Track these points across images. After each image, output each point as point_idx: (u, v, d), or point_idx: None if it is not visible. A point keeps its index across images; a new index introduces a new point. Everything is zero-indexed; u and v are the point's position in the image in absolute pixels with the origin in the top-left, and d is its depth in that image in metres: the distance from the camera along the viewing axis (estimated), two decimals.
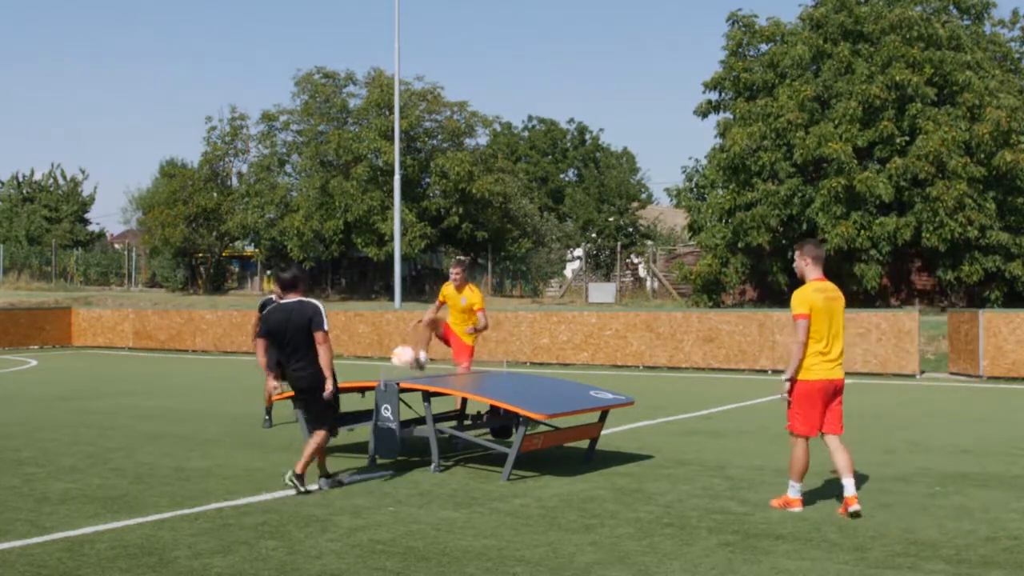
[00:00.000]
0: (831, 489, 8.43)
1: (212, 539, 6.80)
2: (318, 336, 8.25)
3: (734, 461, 9.82)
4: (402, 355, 10.78)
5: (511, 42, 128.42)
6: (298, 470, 8.22)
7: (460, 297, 11.75)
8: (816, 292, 7.62)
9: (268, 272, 47.83)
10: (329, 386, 8.31)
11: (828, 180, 29.46)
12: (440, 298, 12.09)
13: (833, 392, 7.63)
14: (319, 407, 8.42)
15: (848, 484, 7.47)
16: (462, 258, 12.42)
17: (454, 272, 11.86)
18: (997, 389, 17.21)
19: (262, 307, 12.21)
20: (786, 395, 7.67)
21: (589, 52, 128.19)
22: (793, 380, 7.61)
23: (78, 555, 6.41)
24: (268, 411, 12.46)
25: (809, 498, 8.06)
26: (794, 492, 7.70)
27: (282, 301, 8.62)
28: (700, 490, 8.41)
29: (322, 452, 8.51)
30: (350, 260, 45.16)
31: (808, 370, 7.55)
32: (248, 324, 26.31)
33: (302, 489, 8.17)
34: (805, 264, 7.75)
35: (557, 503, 7.94)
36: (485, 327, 11.87)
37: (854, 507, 7.40)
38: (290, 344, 8.32)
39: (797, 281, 7.90)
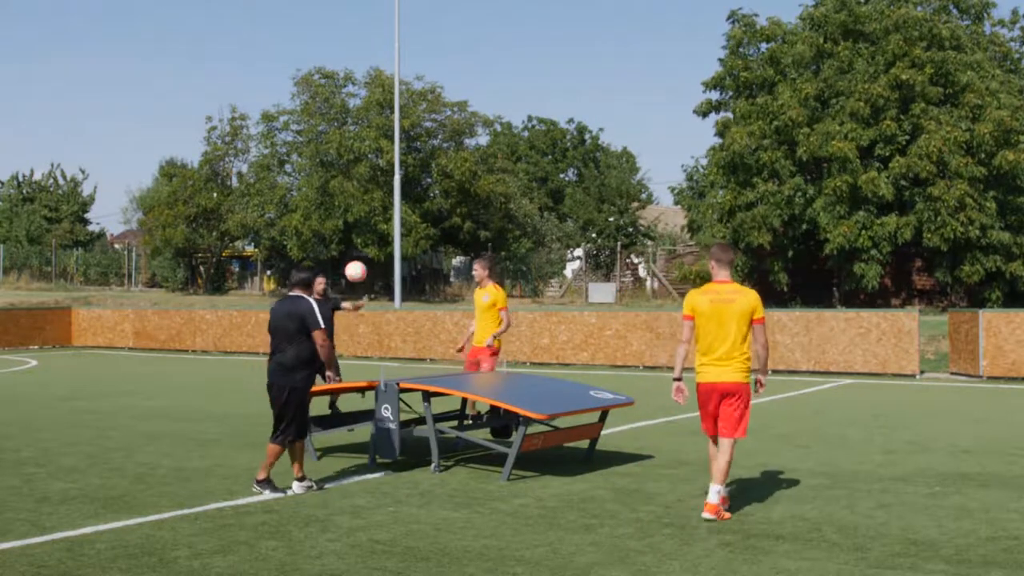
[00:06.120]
0: (831, 489, 8.43)
1: (212, 539, 6.81)
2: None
3: (734, 461, 9.78)
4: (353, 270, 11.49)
5: (511, 42, 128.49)
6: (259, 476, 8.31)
7: (483, 294, 11.53)
8: (702, 295, 7.63)
9: (268, 272, 47.80)
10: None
11: (832, 179, 29.41)
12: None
13: (721, 394, 7.65)
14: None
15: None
16: (486, 254, 12.27)
17: (475, 268, 11.74)
18: (997, 389, 17.20)
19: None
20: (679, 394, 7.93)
21: (589, 52, 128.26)
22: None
23: (78, 555, 6.41)
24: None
25: (809, 498, 8.07)
26: None
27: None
28: (700, 490, 8.40)
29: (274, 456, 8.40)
30: (350, 260, 45.14)
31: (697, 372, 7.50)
32: (248, 324, 26.43)
33: (269, 493, 8.21)
34: (710, 267, 7.83)
35: (557, 503, 7.93)
36: (507, 326, 11.52)
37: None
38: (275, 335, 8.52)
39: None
